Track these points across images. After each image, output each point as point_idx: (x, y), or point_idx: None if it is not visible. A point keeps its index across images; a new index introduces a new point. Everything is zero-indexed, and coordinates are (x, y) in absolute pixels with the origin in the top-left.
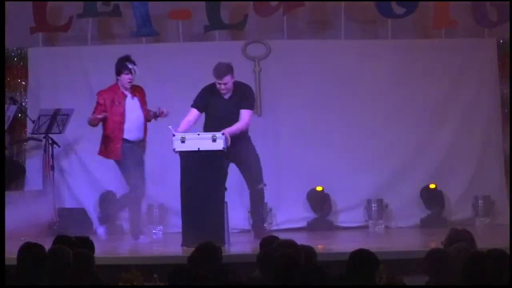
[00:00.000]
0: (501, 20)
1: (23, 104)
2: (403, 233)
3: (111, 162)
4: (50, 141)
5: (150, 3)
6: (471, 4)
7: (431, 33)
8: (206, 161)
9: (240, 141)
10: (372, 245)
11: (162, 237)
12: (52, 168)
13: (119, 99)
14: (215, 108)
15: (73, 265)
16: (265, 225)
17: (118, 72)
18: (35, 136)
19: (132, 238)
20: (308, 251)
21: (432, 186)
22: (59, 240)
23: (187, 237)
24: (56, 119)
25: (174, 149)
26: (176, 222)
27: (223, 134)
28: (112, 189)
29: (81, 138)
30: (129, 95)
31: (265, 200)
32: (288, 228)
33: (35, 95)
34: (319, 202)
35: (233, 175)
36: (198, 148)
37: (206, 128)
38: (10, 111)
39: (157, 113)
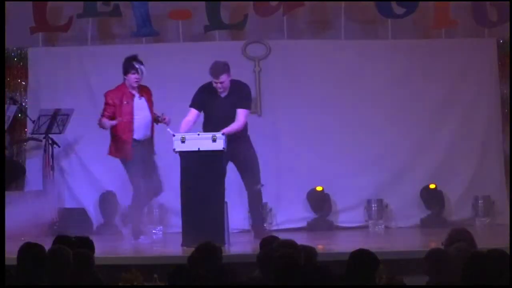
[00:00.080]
0: (501, 20)
1: (23, 104)
2: (403, 233)
3: (111, 162)
4: (50, 141)
5: (150, 3)
6: (471, 4)
7: (431, 33)
8: (206, 161)
9: (240, 141)
10: (372, 245)
11: (162, 237)
12: (52, 168)
13: (127, 99)
14: (212, 107)
15: (73, 265)
16: (265, 225)
17: (125, 72)
18: (35, 136)
19: (132, 238)
20: (308, 251)
21: (432, 186)
22: (59, 240)
23: (187, 237)
24: (56, 119)
25: (174, 149)
26: (176, 222)
27: (223, 134)
28: (112, 189)
29: (81, 138)
30: (136, 95)
31: (265, 200)
32: (288, 228)
33: (35, 95)
34: (319, 202)
35: (233, 175)
36: (198, 148)
37: (205, 128)
38: (10, 111)
39: (160, 119)
